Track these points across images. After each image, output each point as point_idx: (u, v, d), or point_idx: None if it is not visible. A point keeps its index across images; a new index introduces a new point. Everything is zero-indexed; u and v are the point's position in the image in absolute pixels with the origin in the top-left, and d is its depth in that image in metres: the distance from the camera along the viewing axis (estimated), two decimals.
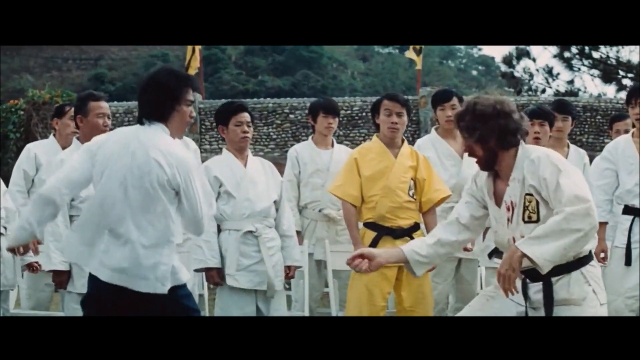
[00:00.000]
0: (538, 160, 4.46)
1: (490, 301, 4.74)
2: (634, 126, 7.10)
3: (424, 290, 6.40)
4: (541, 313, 4.51)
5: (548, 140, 7.64)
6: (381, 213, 6.34)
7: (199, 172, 4.69)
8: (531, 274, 4.49)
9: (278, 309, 6.34)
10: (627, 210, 6.73)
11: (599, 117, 20.84)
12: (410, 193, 6.37)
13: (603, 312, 4.55)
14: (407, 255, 4.77)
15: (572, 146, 7.70)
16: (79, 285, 5.91)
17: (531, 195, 4.46)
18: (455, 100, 7.21)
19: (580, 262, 4.51)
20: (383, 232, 6.31)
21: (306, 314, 7.07)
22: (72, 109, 7.41)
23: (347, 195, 6.44)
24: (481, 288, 7.76)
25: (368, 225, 6.42)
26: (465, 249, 6.70)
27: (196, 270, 6.48)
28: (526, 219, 4.48)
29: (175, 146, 4.55)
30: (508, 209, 4.56)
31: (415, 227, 6.40)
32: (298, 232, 7.59)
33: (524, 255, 4.25)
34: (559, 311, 4.48)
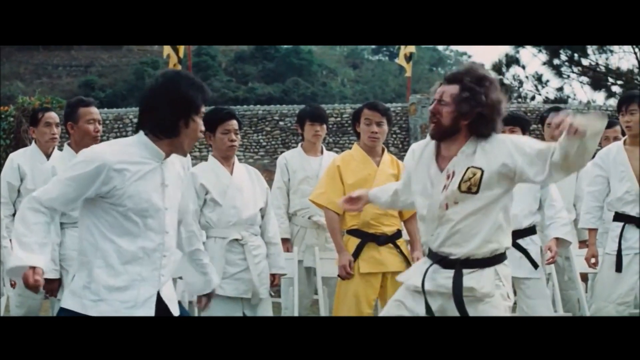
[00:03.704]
0: (505, 140, 4.50)
1: (402, 306, 4.79)
2: (623, 133, 7.13)
3: None
4: (447, 299, 4.54)
5: None
6: (366, 220, 6.34)
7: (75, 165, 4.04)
8: (444, 261, 4.56)
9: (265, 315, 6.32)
10: (618, 217, 6.76)
11: None
12: None
13: (507, 312, 4.59)
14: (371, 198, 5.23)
15: None
16: None
17: (479, 169, 4.48)
18: None
19: (495, 259, 4.55)
20: (367, 238, 6.33)
21: None
22: (45, 115, 7.35)
23: (331, 203, 6.43)
24: None
25: (352, 232, 6.42)
26: None
27: (181, 278, 6.48)
28: (464, 189, 4.51)
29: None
30: (448, 177, 4.57)
31: (398, 234, 6.41)
32: (287, 240, 7.60)
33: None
34: (469, 307, 4.50)
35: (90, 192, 3.98)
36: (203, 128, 4.22)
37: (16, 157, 7.55)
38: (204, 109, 4.16)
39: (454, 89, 4.51)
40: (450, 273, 4.53)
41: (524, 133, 6.86)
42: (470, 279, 4.50)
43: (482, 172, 4.47)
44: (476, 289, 4.48)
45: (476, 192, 4.48)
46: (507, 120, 6.89)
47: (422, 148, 4.78)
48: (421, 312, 4.64)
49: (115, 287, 4.05)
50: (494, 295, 4.51)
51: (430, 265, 4.61)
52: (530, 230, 6.74)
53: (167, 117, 4.06)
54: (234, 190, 6.24)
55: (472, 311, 4.47)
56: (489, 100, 4.46)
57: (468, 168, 4.50)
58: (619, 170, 6.73)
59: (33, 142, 7.59)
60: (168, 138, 4.09)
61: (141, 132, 4.13)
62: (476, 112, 4.46)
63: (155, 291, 4.13)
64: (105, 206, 4.03)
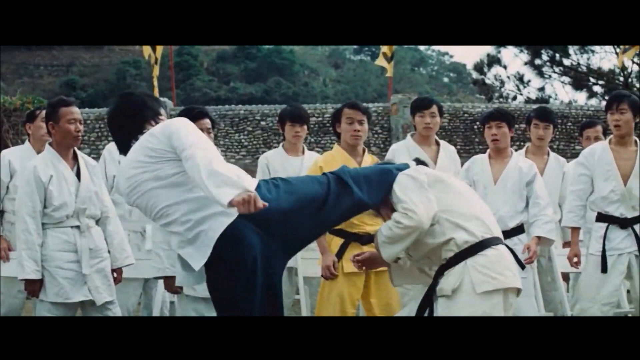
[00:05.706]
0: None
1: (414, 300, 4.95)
2: (604, 133, 7.14)
3: (391, 297, 6.39)
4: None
5: (529, 148, 7.71)
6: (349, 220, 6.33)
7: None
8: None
9: None
10: (601, 217, 6.74)
11: (569, 124, 20.98)
12: None
13: (479, 303, 4.48)
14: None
15: (552, 154, 7.77)
16: (51, 294, 5.88)
17: None
18: (434, 108, 7.18)
19: (466, 252, 4.56)
20: (351, 238, 6.30)
21: None
22: (43, 112, 7.32)
23: None
24: None
25: (335, 232, 6.38)
26: None
27: (155, 278, 6.45)
28: None
29: None
30: None
31: None
32: None
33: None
34: (437, 304, 4.59)
35: None
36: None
37: (8, 154, 7.51)
38: (161, 116, 4.60)
39: None
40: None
41: (509, 129, 6.84)
42: (445, 279, 4.57)
43: None
44: (444, 288, 4.55)
45: None
46: (493, 116, 6.89)
47: None
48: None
49: None
50: (457, 289, 4.51)
51: None
52: (518, 230, 6.73)
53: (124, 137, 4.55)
54: None
55: (443, 307, 4.54)
56: None
57: None
58: (605, 169, 6.69)
59: (27, 141, 7.56)
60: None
61: None
62: None
63: None
64: None
